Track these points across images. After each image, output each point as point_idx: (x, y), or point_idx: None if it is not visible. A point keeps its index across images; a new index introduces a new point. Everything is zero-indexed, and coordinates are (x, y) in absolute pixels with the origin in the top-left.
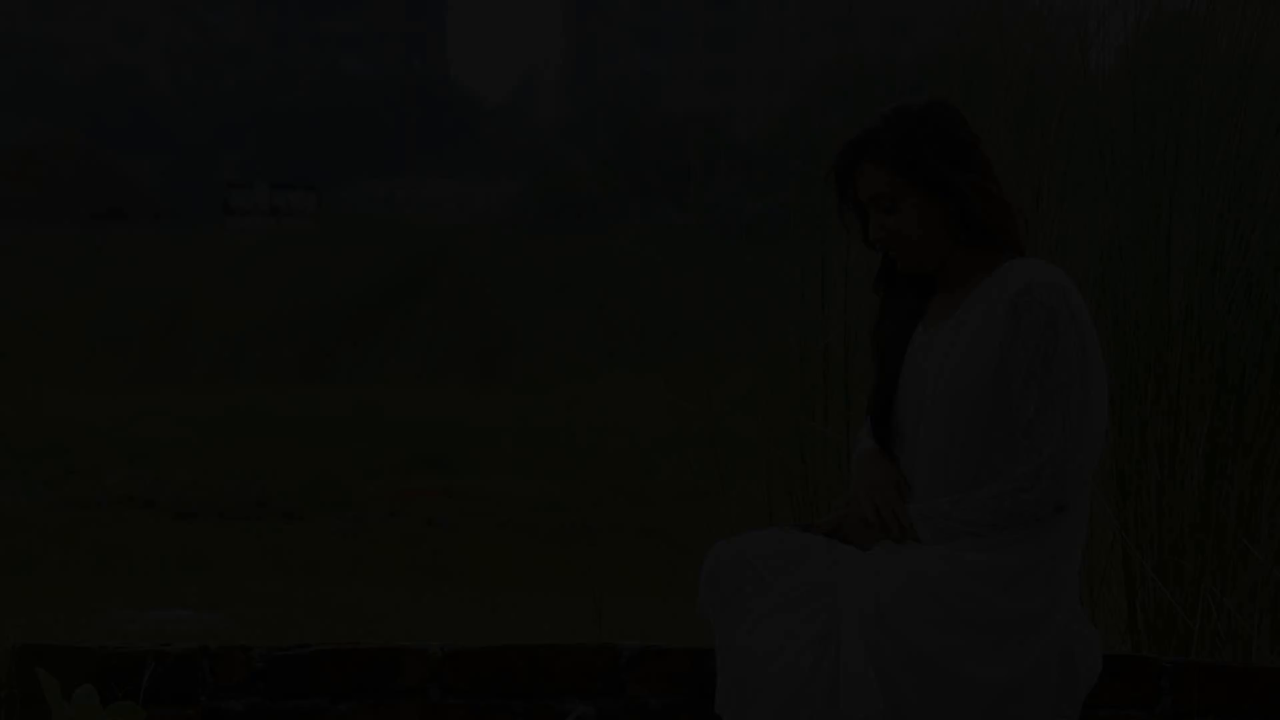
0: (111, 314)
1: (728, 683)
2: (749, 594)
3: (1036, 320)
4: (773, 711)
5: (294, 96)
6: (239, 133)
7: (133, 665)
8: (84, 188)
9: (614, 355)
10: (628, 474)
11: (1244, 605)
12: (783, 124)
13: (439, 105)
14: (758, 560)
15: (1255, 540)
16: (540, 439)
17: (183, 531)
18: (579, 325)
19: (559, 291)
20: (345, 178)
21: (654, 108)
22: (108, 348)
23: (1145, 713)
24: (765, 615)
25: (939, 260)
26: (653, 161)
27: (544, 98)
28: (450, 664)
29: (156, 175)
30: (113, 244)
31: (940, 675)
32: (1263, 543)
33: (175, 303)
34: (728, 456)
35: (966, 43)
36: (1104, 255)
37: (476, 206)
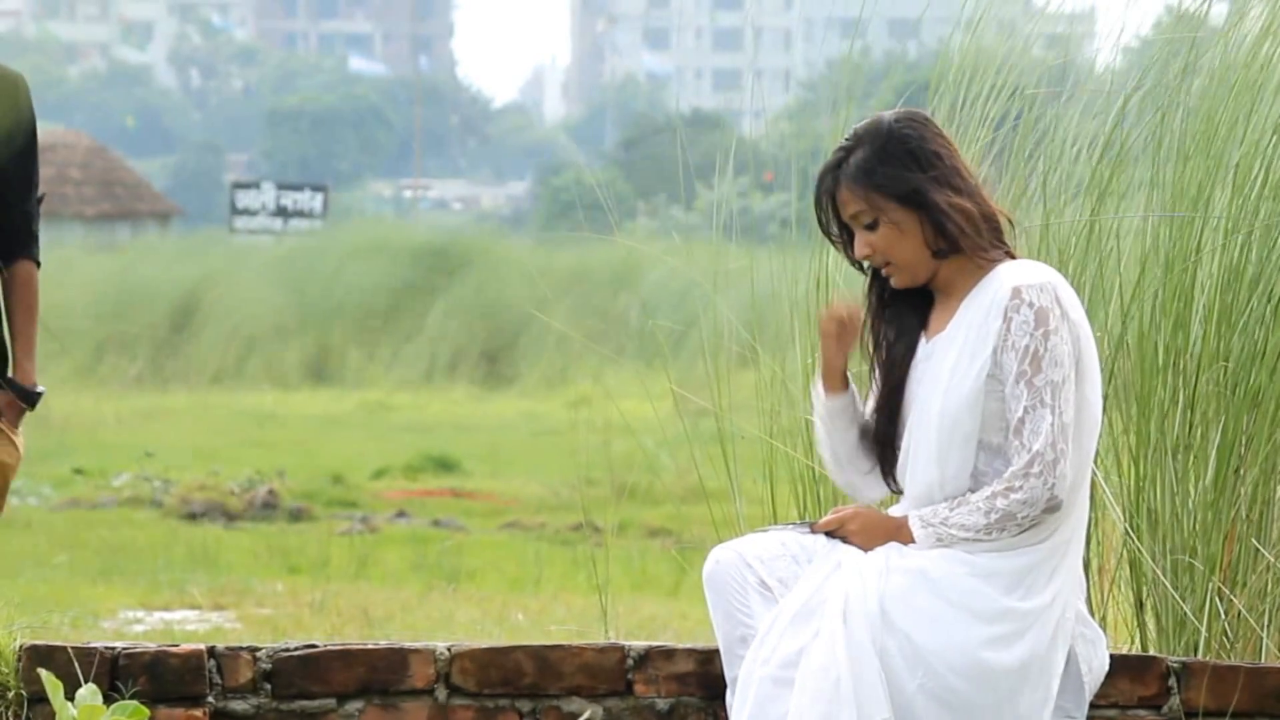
0: (118, 314)
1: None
2: (754, 600)
3: (1025, 321)
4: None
5: (301, 97)
6: (246, 133)
7: (139, 666)
8: (91, 188)
9: (620, 355)
10: (634, 474)
11: (1254, 606)
12: (788, 124)
13: (446, 105)
14: (757, 563)
15: (1265, 541)
16: (547, 439)
17: (189, 532)
18: (586, 325)
19: (566, 291)
20: (352, 178)
21: (660, 107)
22: (114, 348)
23: (1153, 712)
24: (772, 624)
25: (929, 272)
26: (659, 161)
27: (551, 97)
28: (457, 664)
29: (164, 176)
30: (119, 244)
31: (948, 668)
32: (1273, 543)
33: (182, 303)
34: (733, 456)
35: (972, 42)
36: (1143, 255)
37: (484, 206)
